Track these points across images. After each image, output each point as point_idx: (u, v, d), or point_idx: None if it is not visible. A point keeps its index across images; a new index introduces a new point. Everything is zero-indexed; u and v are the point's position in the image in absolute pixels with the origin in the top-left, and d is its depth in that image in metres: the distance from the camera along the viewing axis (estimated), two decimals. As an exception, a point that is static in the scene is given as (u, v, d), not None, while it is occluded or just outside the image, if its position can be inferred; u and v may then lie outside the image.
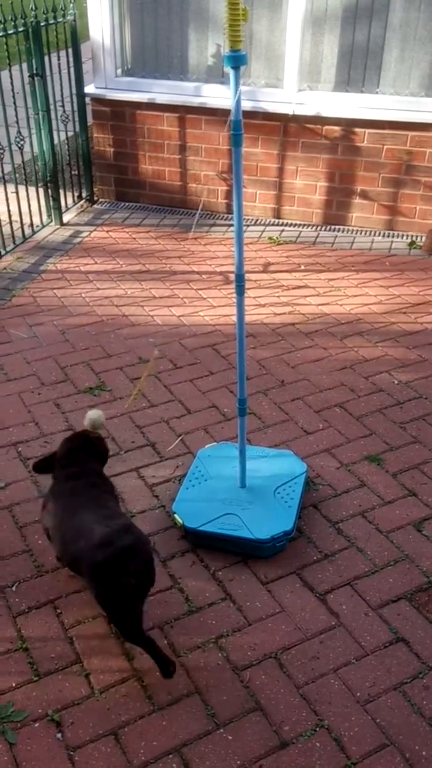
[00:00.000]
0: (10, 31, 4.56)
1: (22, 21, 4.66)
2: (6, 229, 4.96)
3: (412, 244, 5.17)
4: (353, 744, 2.07)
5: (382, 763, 2.03)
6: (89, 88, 5.49)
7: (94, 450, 2.51)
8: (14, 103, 4.72)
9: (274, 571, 2.60)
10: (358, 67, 5.03)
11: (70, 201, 5.68)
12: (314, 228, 5.43)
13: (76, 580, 2.55)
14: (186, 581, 2.56)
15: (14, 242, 5.02)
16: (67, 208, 5.61)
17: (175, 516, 2.72)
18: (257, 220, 5.56)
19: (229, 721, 2.13)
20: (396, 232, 5.34)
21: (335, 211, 5.42)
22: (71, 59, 5.30)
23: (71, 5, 5.17)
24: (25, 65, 4.87)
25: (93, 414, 2.53)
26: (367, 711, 2.16)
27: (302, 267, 4.84)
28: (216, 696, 2.19)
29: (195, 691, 2.21)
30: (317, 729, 2.11)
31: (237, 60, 2.17)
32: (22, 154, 4.93)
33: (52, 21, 4.95)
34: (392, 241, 5.22)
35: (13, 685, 2.23)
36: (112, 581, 2.07)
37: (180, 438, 3.25)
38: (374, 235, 5.32)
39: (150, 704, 2.17)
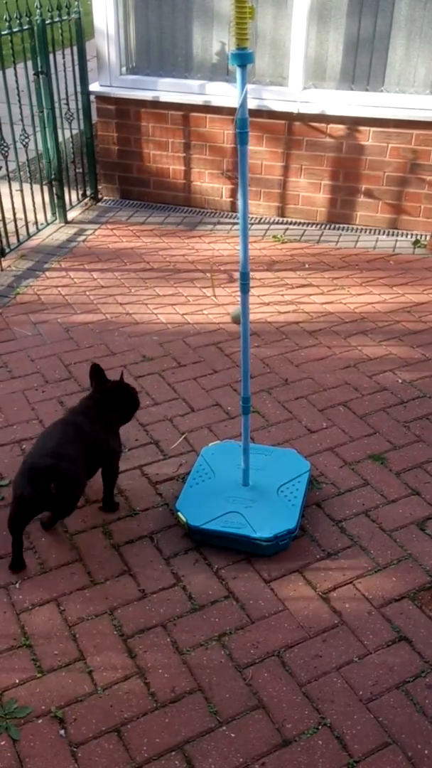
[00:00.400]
0: (15, 29, 4.56)
1: (27, 19, 4.66)
2: (10, 227, 4.96)
3: (416, 243, 5.16)
4: (355, 742, 2.08)
5: (385, 762, 2.03)
6: (94, 86, 5.49)
7: (123, 401, 2.82)
8: (19, 101, 4.72)
9: (277, 569, 2.61)
10: (363, 65, 5.03)
11: (74, 199, 5.68)
12: (318, 227, 5.43)
13: (78, 576, 2.56)
14: (189, 579, 2.57)
15: (18, 240, 5.03)
16: (72, 206, 5.61)
17: (179, 514, 2.73)
18: (261, 218, 5.56)
19: (232, 719, 2.13)
20: (400, 231, 5.33)
21: (339, 210, 5.42)
22: (76, 57, 5.30)
23: (76, 3, 5.17)
24: (29, 63, 4.87)
25: (236, 311, 2.61)
26: (369, 709, 2.16)
27: (306, 265, 4.84)
28: (218, 694, 2.20)
29: (198, 689, 2.21)
30: (319, 727, 2.12)
31: (243, 58, 2.16)
32: (26, 152, 4.94)
33: (57, 19, 4.95)
34: (396, 240, 5.22)
35: (17, 681, 2.24)
36: (17, 486, 2.49)
37: (184, 436, 3.25)
38: (378, 233, 5.32)
39: (153, 701, 2.18)
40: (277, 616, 2.44)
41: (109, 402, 2.81)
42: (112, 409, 2.81)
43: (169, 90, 5.35)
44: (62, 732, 2.10)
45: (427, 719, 2.14)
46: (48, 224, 5.38)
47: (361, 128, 5.08)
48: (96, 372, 2.85)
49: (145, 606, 2.47)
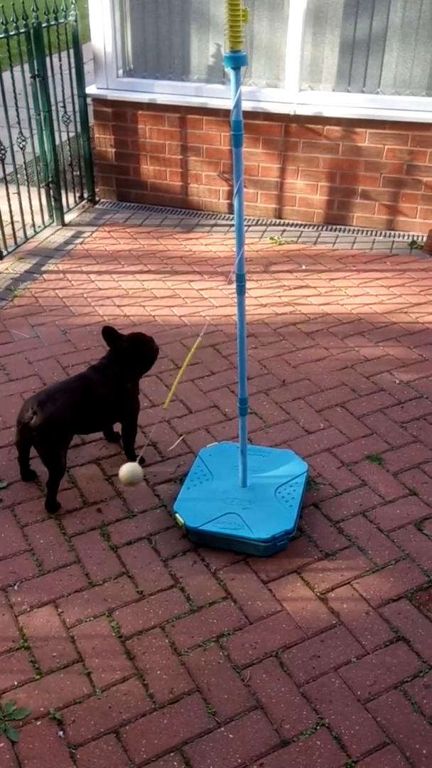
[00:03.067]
0: (11, 33, 4.57)
1: (24, 22, 4.67)
2: (8, 230, 4.97)
3: (413, 243, 5.18)
4: (354, 743, 2.08)
5: (383, 762, 2.04)
6: (90, 89, 5.50)
7: (139, 352, 2.98)
8: (16, 104, 4.73)
9: (275, 570, 2.61)
10: (359, 67, 5.04)
11: (71, 201, 5.69)
12: (315, 228, 5.44)
13: (76, 578, 2.57)
14: (187, 580, 2.57)
15: (16, 243, 5.03)
16: (69, 209, 5.62)
17: (177, 515, 2.73)
18: (259, 220, 5.57)
19: (230, 720, 2.14)
20: (397, 232, 5.34)
21: (336, 211, 5.43)
22: (72, 60, 5.31)
23: (72, 6, 5.18)
24: (26, 66, 4.88)
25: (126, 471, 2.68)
26: (367, 710, 2.16)
27: (303, 267, 4.85)
28: (217, 694, 2.20)
29: (196, 690, 2.21)
30: (318, 727, 2.12)
31: (237, 61, 2.17)
32: (23, 154, 4.94)
33: (53, 22, 4.96)
34: (393, 241, 5.23)
35: (15, 683, 2.24)
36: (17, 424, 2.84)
37: (181, 437, 3.25)
38: (375, 234, 5.33)
39: (151, 703, 2.18)
40: (275, 617, 2.44)
41: (126, 357, 2.97)
42: (130, 363, 2.98)
43: (166, 92, 5.36)
44: (61, 733, 2.10)
45: (425, 719, 2.14)
46: (45, 227, 5.38)
47: (358, 130, 5.09)
48: (107, 333, 3.01)
49: (144, 607, 2.47)
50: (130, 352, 2.98)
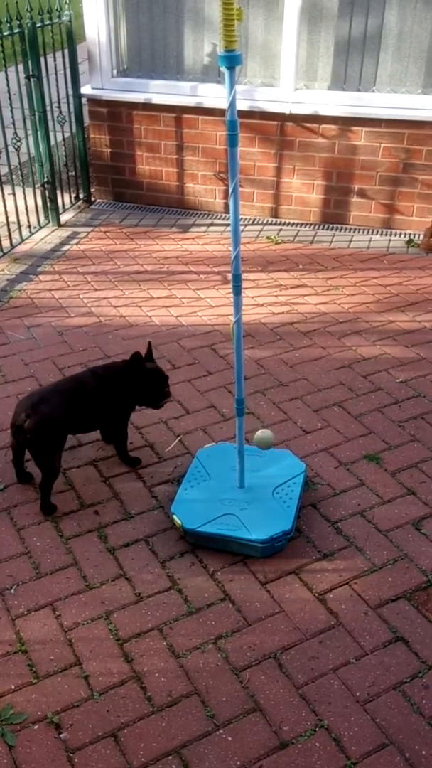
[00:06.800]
0: (5, 33, 4.55)
1: (18, 23, 4.66)
2: (3, 231, 4.95)
3: (409, 242, 5.17)
4: (353, 744, 2.07)
5: (382, 763, 2.03)
6: (86, 89, 5.48)
7: (142, 378, 2.91)
8: (10, 104, 4.71)
9: (273, 571, 2.60)
10: (355, 66, 5.03)
11: (67, 202, 5.68)
12: (312, 227, 5.43)
13: (73, 581, 2.56)
14: (185, 582, 2.56)
15: (11, 243, 5.02)
16: (65, 209, 5.61)
17: (174, 517, 2.72)
18: (255, 219, 5.56)
19: (229, 722, 2.13)
20: (394, 231, 5.33)
21: (333, 210, 5.42)
22: (67, 60, 5.30)
23: (66, 6, 5.17)
24: (21, 66, 4.86)
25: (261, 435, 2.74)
26: (366, 711, 2.16)
27: (300, 266, 4.84)
28: (215, 697, 2.19)
29: (194, 692, 2.20)
30: (317, 729, 2.11)
31: (231, 60, 2.15)
32: (18, 155, 4.93)
33: (47, 22, 4.95)
34: (390, 240, 5.22)
35: (12, 687, 2.23)
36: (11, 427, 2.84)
37: (179, 438, 3.24)
38: (372, 233, 5.32)
39: (149, 705, 2.17)
40: (274, 618, 2.43)
41: (129, 371, 2.92)
42: (129, 379, 2.92)
43: (161, 92, 5.35)
44: (63, 735, 2.09)
45: (425, 720, 2.13)
46: (41, 227, 5.37)
47: (354, 128, 5.08)
48: (134, 358, 2.93)
49: (141, 610, 2.46)
50: (136, 370, 2.92)
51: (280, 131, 5.22)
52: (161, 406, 3.03)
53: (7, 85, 4.67)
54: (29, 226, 5.24)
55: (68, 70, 5.34)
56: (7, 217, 4.96)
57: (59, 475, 2.88)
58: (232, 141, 2.26)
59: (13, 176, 4.97)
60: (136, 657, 2.30)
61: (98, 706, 2.17)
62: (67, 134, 5.62)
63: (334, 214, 5.42)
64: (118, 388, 2.92)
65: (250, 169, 5.41)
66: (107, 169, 5.77)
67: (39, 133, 5.09)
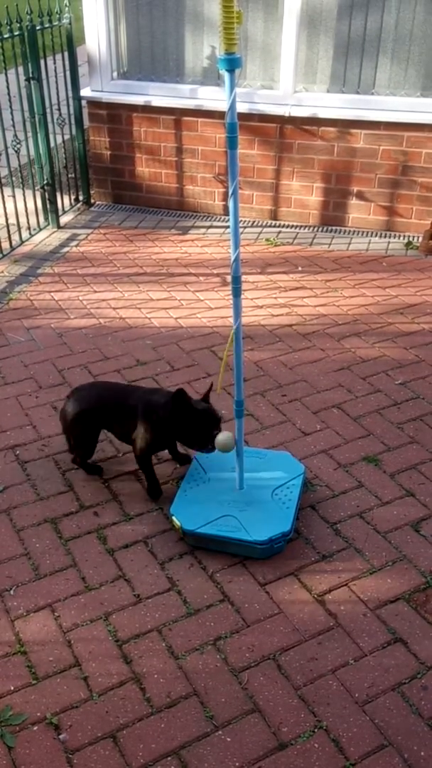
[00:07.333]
0: (5, 36, 4.56)
1: (18, 25, 4.67)
2: (3, 233, 4.96)
3: (408, 244, 5.18)
4: (352, 745, 2.07)
5: (381, 764, 2.03)
6: (85, 92, 5.49)
7: (182, 414, 2.75)
8: (10, 106, 4.72)
9: (272, 572, 2.60)
10: (354, 68, 5.04)
11: (66, 204, 5.68)
12: (311, 229, 5.44)
13: (72, 582, 2.56)
14: (184, 583, 2.56)
15: (11, 245, 5.02)
16: (64, 212, 5.62)
17: (173, 518, 2.72)
18: (254, 222, 5.57)
19: (228, 723, 2.13)
20: (393, 233, 5.34)
21: (332, 213, 5.42)
22: (67, 63, 5.31)
23: (66, 9, 5.18)
24: (21, 69, 4.87)
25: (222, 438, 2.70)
26: (365, 712, 2.16)
27: (299, 268, 4.85)
28: (214, 698, 2.19)
29: (193, 693, 2.21)
30: (316, 730, 2.11)
31: (231, 63, 2.16)
32: (18, 157, 4.94)
33: (47, 25, 4.96)
34: (389, 242, 5.23)
35: (12, 688, 2.23)
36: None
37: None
38: (371, 236, 5.33)
39: (148, 707, 2.17)
40: (273, 619, 2.43)
41: (175, 406, 2.72)
42: (171, 411, 2.73)
43: (161, 94, 5.36)
44: (62, 736, 2.09)
45: (423, 721, 2.13)
46: (40, 229, 5.37)
47: (353, 131, 5.09)
48: (181, 396, 2.72)
49: (140, 611, 2.47)
50: (181, 408, 2.73)
51: (280, 133, 5.23)
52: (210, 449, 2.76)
53: (7, 87, 4.68)
54: (29, 228, 5.24)
55: (68, 73, 5.35)
56: (6, 219, 4.97)
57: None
58: (232, 143, 2.27)
59: (13, 178, 4.98)
60: (136, 658, 2.31)
61: (97, 707, 2.17)
62: (66, 136, 5.63)
63: (333, 216, 5.43)
64: (162, 412, 2.77)
65: (249, 172, 5.42)
66: (107, 171, 5.78)
67: (39, 135, 5.10)
